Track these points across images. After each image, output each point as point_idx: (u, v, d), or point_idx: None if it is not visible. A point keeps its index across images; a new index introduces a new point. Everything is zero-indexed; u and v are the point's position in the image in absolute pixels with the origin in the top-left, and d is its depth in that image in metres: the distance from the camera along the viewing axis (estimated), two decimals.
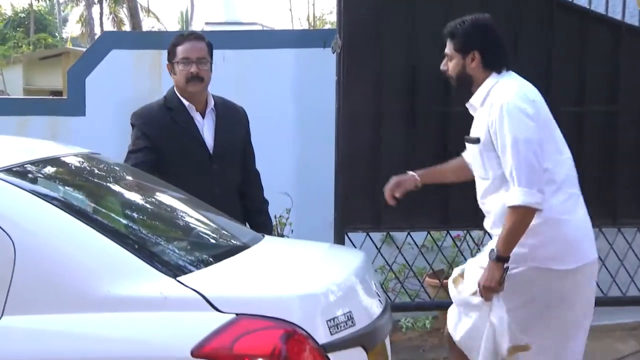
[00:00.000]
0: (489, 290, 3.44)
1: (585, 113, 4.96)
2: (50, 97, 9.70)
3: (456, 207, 4.83)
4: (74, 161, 3.32)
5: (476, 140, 3.57)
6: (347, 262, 3.12)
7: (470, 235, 5.37)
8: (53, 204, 2.63)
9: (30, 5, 38.57)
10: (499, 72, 3.60)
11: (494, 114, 3.45)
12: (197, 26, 37.85)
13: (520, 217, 3.36)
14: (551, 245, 3.46)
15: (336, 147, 4.74)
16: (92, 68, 6.25)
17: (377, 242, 5.06)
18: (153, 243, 2.88)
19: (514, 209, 3.36)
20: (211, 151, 3.96)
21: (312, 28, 18.50)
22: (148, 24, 41.98)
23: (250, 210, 4.15)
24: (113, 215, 3.02)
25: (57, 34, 40.05)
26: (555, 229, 3.46)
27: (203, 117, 3.99)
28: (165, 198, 3.50)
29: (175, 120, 3.93)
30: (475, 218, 4.60)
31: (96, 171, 3.41)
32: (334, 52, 4.72)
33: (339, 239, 4.76)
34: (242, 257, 2.95)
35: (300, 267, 3.01)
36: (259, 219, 4.15)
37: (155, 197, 3.50)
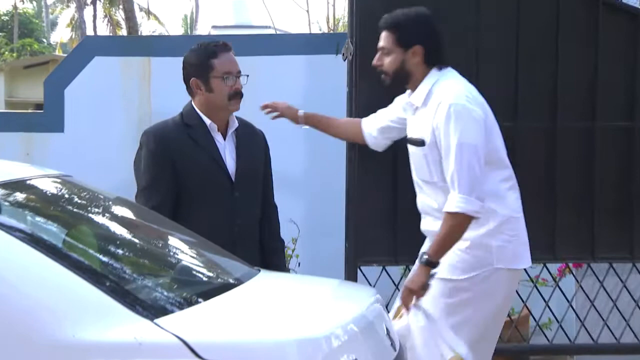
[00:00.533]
0: (410, 293, 3.68)
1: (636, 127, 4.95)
2: (26, 111, 9.69)
3: None
4: (42, 185, 3.30)
5: (420, 142, 3.76)
6: (356, 301, 3.09)
7: None
8: (14, 235, 2.60)
9: (15, 7, 38.92)
10: (440, 68, 3.80)
11: (441, 114, 3.65)
12: (203, 30, 38.14)
13: (457, 224, 3.62)
14: (512, 244, 3.78)
15: (348, 168, 4.68)
16: (71, 78, 6.25)
17: (394, 278, 4.99)
18: (129, 280, 2.85)
19: (452, 215, 3.61)
20: (233, 177, 3.96)
21: (331, 31, 18.57)
22: (149, 28, 42.36)
23: (267, 249, 4.16)
24: (84, 247, 2.99)
25: (44, 39, 40.41)
26: (515, 228, 3.80)
27: (224, 138, 4.01)
28: (147, 228, 3.50)
29: (193, 138, 3.92)
30: None
31: (67, 197, 3.39)
32: (345, 60, 4.69)
33: (351, 274, 4.72)
34: (233, 295, 2.93)
35: (299, 307, 2.98)
36: (274, 259, 4.15)
37: (136, 227, 3.48)
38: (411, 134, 3.88)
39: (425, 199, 3.91)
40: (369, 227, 4.70)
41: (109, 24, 40.09)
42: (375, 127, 4.24)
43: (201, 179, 3.90)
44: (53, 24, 45.31)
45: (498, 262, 3.76)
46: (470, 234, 3.73)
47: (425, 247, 3.84)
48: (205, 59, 3.93)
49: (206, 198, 3.90)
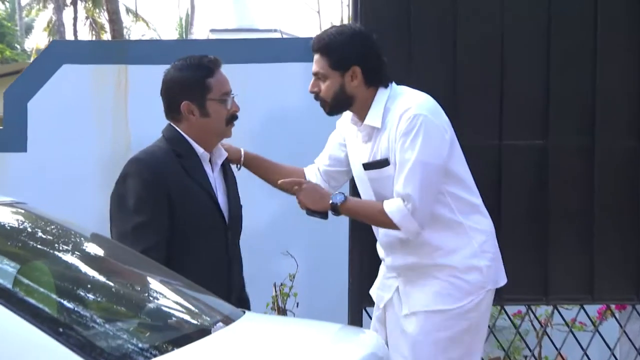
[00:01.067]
0: (300, 198, 3.91)
1: None
2: None
3: (514, 274, 4.63)
4: None
5: (383, 162, 3.90)
6: (355, 350, 3.06)
7: (532, 312, 5.29)
8: None
9: None
10: (385, 86, 3.93)
11: (401, 125, 3.79)
12: (199, 34, 38.29)
13: (380, 223, 3.91)
14: (495, 262, 3.99)
15: (352, 193, 4.60)
16: (36, 89, 6.23)
17: None
18: (88, 325, 2.80)
19: (386, 216, 3.82)
20: (226, 216, 3.94)
21: None
22: (138, 32, 42.53)
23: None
24: (37, 287, 2.95)
25: (17, 45, 40.52)
26: (494, 244, 4.02)
27: (212, 170, 3.97)
28: (113, 263, 3.46)
29: (187, 170, 3.84)
30: (541, 288, 4.76)
31: (20, 228, 3.36)
32: None
33: (356, 317, 4.69)
34: (210, 342, 2.89)
35: (288, 357, 2.91)
36: (243, 294, 4.14)
37: (100, 262, 3.44)
38: (368, 159, 3.97)
39: (390, 230, 3.96)
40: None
41: (91, 28, 40.19)
42: (321, 165, 4.26)
43: (197, 217, 3.83)
44: (28, 28, 45.40)
45: (489, 283, 3.96)
46: (454, 258, 3.91)
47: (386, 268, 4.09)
48: (199, 79, 3.86)
49: (201, 240, 3.84)
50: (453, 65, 4.76)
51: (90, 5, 39.73)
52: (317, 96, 3.95)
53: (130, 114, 6.22)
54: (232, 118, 3.92)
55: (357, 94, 3.91)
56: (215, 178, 3.95)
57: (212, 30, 25.88)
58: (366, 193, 4.06)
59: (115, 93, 6.25)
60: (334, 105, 3.94)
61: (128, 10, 40.79)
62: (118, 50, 6.45)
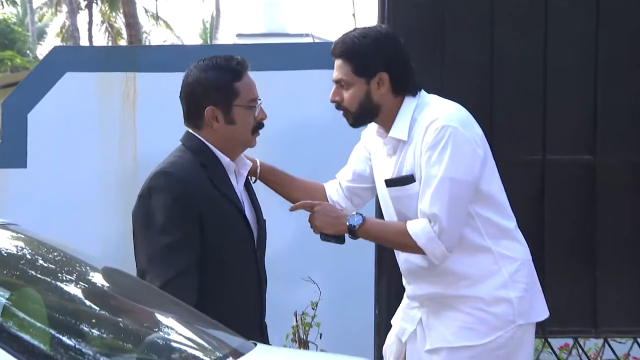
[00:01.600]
0: (313, 222, 3.84)
1: None
2: None
3: (559, 304, 4.61)
4: None
5: (408, 179, 3.83)
6: None
7: (580, 346, 5.21)
8: None
9: None
10: (414, 94, 3.88)
11: (428, 137, 3.74)
12: (225, 39, 38.46)
13: (403, 247, 3.84)
14: (529, 293, 3.88)
15: (378, 214, 4.53)
16: (36, 99, 6.21)
17: None
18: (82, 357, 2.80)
19: (410, 238, 3.75)
20: (255, 233, 3.90)
21: None
22: (160, 37, 42.71)
23: None
24: (26, 316, 2.95)
25: (29, 52, 40.81)
26: (530, 273, 3.91)
27: (237, 182, 3.90)
28: (113, 292, 3.45)
29: (214, 183, 3.77)
30: (589, 319, 4.75)
31: (9, 251, 3.35)
32: None
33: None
34: None
35: None
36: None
37: (99, 291, 3.42)
38: (392, 174, 3.91)
39: (414, 257, 3.92)
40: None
41: (108, 33, 40.37)
42: (343, 181, 4.22)
43: (229, 236, 3.77)
44: (41, 33, 45.70)
45: (520, 317, 3.84)
46: (481, 288, 3.84)
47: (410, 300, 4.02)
48: (227, 82, 3.79)
49: (234, 260, 3.78)
50: (490, 74, 4.75)
51: (107, 9, 39.84)
52: (339, 106, 3.91)
53: (138, 126, 6.17)
54: (259, 126, 3.87)
55: (384, 102, 3.86)
56: (240, 190, 3.90)
57: (239, 35, 25.92)
58: (388, 213, 4.01)
59: (122, 103, 6.22)
60: (359, 115, 3.89)
61: (147, 12, 41.02)
62: (126, 56, 6.43)
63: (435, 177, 3.71)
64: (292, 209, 3.93)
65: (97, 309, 3.28)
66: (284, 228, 4.94)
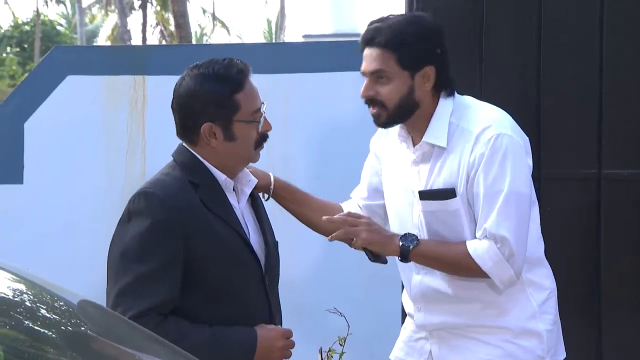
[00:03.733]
0: (360, 236, 3.60)
1: None
2: None
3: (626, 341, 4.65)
4: None
5: (449, 193, 3.64)
6: None
7: None
8: None
9: (37, 13, 39.63)
10: (447, 94, 3.70)
11: (482, 146, 3.56)
12: (292, 40, 38.83)
13: (462, 271, 3.62)
14: (557, 326, 3.77)
15: None
16: (34, 106, 5.96)
17: None
18: None
19: (472, 262, 3.56)
20: (262, 259, 3.65)
21: None
22: (218, 38, 42.99)
23: None
24: None
25: None
26: (556, 304, 3.77)
27: (238, 201, 3.69)
28: (81, 325, 3.14)
29: (206, 204, 3.55)
30: None
31: None
32: None
33: None
34: None
35: None
36: None
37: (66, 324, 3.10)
38: (424, 185, 3.71)
39: (432, 281, 3.78)
40: None
41: (162, 34, 40.58)
42: (360, 200, 4.05)
43: (226, 264, 3.55)
44: (93, 36, 46.00)
45: (548, 352, 3.72)
46: (508, 319, 3.70)
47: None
48: (227, 96, 3.55)
49: (234, 293, 3.57)
50: (536, 76, 4.64)
51: (160, 9, 40.03)
52: (372, 102, 3.65)
53: (148, 136, 5.92)
54: (263, 140, 3.63)
55: (423, 100, 3.64)
56: (242, 211, 3.67)
57: (306, 36, 26.21)
58: (408, 229, 3.76)
59: (130, 110, 5.95)
60: (396, 113, 3.65)
61: (205, 12, 41.32)
62: (134, 57, 6.15)
63: (500, 192, 3.54)
64: (332, 219, 3.73)
65: (60, 347, 2.94)
66: (306, 253, 4.56)
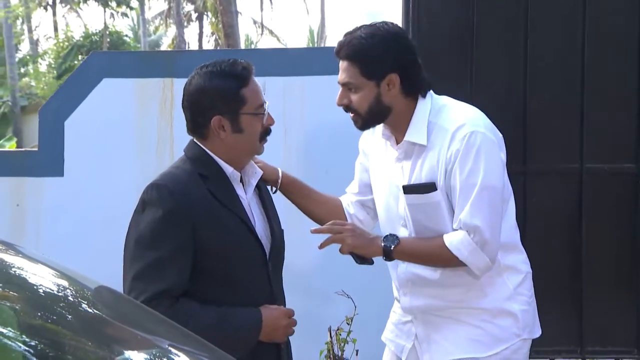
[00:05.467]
0: (346, 244, 3.76)
1: None
2: (17, 149, 9.74)
3: (599, 320, 4.67)
4: None
5: (430, 187, 3.73)
6: None
7: None
8: None
9: (105, 25, 39.85)
10: (424, 95, 3.77)
11: (456, 143, 3.66)
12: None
13: (441, 262, 3.74)
14: (531, 306, 3.86)
15: None
16: (73, 106, 6.12)
17: None
18: None
19: (449, 253, 3.67)
20: (267, 247, 3.74)
21: None
22: (264, 46, 43.08)
23: None
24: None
25: None
26: (531, 286, 3.86)
27: (245, 192, 3.77)
28: (92, 308, 3.22)
29: (214, 195, 3.64)
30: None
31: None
32: None
33: None
34: None
35: None
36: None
37: (80, 307, 3.21)
38: (407, 180, 3.80)
39: (416, 268, 3.87)
40: None
41: (216, 43, 40.64)
42: (353, 196, 4.16)
43: (231, 252, 3.63)
44: (156, 46, 45.87)
45: (524, 330, 3.82)
46: (486, 300, 3.80)
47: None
48: (234, 90, 3.66)
49: (239, 278, 3.65)
50: (523, 78, 4.65)
51: (215, 20, 40.12)
52: (347, 108, 3.78)
53: (175, 133, 6.03)
54: (266, 133, 3.72)
55: (395, 104, 3.74)
56: (249, 201, 3.75)
57: None
58: (394, 220, 3.89)
59: (160, 110, 6.11)
60: (369, 118, 3.77)
61: (255, 23, 41.39)
62: (163, 62, 6.28)
63: (474, 185, 3.63)
64: (318, 230, 3.83)
65: (72, 327, 3.04)
66: (314, 239, 4.78)
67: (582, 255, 4.58)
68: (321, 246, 3.79)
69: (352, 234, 3.74)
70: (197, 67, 3.73)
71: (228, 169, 3.67)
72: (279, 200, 3.98)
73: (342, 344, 5.50)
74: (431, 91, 3.82)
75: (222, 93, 3.62)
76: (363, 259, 3.81)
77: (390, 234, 3.76)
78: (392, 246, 3.72)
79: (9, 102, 31.13)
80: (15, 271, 3.29)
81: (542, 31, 4.66)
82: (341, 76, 3.76)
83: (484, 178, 3.62)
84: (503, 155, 3.73)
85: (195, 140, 3.73)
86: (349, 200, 4.13)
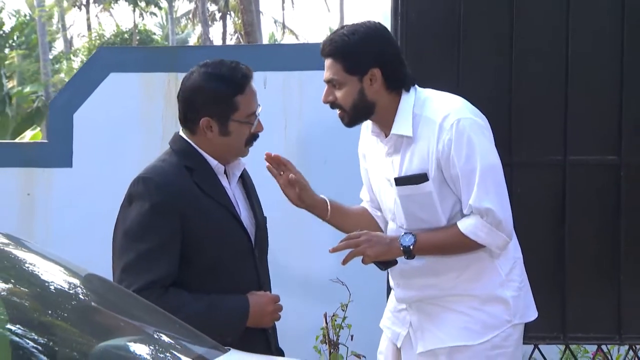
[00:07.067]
0: (365, 254, 3.72)
1: None
2: (26, 141, 9.78)
3: (581, 309, 4.72)
4: None
5: (421, 178, 3.71)
6: None
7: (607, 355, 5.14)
8: None
9: (134, 24, 39.98)
10: (408, 89, 3.76)
11: (447, 134, 3.64)
12: None
13: (461, 249, 3.73)
14: (523, 291, 3.83)
15: None
16: (82, 100, 6.17)
17: None
18: None
19: (467, 239, 3.67)
20: (252, 235, 3.76)
21: None
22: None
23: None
24: None
25: None
26: (522, 271, 3.85)
27: (229, 183, 3.78)
28: (77, 294, 3.36)
29: (200, 186, 3.66)
30: (613, 325, 4.74)
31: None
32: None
33: None
34: None
35: None
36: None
37: (69, 298, 3.33)
38: (398, 172, 3.78)
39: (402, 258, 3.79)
40: None
41: (238, 40, 40.66)
42: (367, 202, 4.13)
43: (219, 239, 3.65)
44: (183, 43, 45.79)
45: (515, 316, 3.79)
46: (477, 287, 3.78)
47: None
48: (228, 96, 3.65)
49: (227, 265, 3.67)
50: (509, 74, 4.66)
51: (238, 19, 40.18)
52: (333, 105, 3.79)
53: (179, 125, 6.07)
54: (253, 138, 3.73)
55: (379, 99, 3.75)
56: (233, 191, 3.77)
57: None
58: (392, 212, 3.89)
59: (165, 104, 6.15)
60: (354, 114, 3.78)
61: (276, 22, 41.35)
62: (168, 57, 6.36)
63: (474, 170, 3.64)
64: (333, 250, 3.79)
65: (56, 313, 3.17)
66: (313, 228, 4.79)
67: (565, 245, 4.57)
68: (344, 262, 3.77)
69: (369, 245, 3.71)
70: (199, 63, 3.72)
71: (213, 162, 3.69)
72: (275, 190, 3.97)
73: (338, 330, 5.52)
74: (415, 85, 3.81)
75: (216, 97, 3.63)
76: (386, 264, 3.78)
77: (406, 233, 3.74)
78: (411, 246, 3.70)
79: (42, 97, 31.33)
80: (4, 261, 3.34)
81: (528, 25, 4.64)
82: (326, 74, 3.77)
83: (482, 160, 3.63)
84: (491, 135, 3.74)
85: (182, 132, 3.74)
86: (368, 206, 4.10)
